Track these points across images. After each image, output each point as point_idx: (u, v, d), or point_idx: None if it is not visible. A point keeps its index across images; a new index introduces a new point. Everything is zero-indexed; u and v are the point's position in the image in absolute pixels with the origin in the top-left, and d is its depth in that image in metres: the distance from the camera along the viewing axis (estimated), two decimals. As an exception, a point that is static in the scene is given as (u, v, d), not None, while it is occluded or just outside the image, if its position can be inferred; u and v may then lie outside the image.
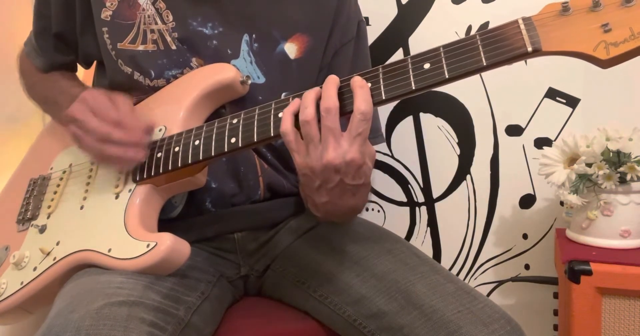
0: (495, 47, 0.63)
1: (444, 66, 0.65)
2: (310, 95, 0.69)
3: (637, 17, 0.58)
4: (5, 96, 1.10)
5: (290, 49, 0.93)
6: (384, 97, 0.68)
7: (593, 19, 0.60)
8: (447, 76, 0.65)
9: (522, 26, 0.63)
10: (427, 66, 0.67)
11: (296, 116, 0.70)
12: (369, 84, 0.69)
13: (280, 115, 0.73)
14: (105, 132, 0.79)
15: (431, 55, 0.67)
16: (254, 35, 0.91)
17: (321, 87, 0.70)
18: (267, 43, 0.92)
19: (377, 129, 1.02)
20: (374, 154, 0.73)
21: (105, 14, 0.91)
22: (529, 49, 0.62)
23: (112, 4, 0.91)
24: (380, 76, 0.69)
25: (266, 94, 0.90)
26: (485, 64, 0.64)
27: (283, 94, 0.91)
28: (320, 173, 0.69)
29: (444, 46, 0.67)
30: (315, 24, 0.94)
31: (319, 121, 0.68)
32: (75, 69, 1.07)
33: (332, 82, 0.69)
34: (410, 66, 0.67)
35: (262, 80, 0.91)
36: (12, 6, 1.41)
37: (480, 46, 0.64)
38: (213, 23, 0.90)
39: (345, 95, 0.70)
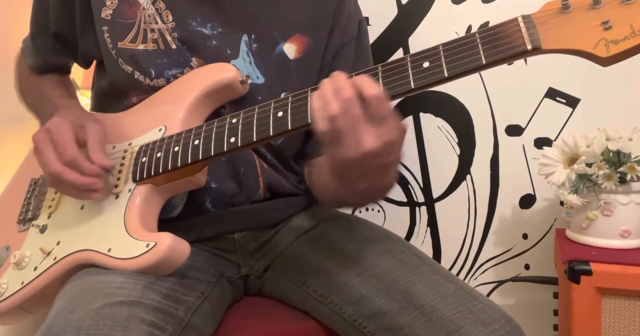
0: (495, 45, 0.63)
1: (444, 64, 0.65)
2: (328, 90, 0.67)
3: (638, 15, 0.58)
4: (5, 96, 1.10)
5: (290, 49, 0.93)
6: (384, 96, 0.68)
7: (593, 17, 0.60)
8: (446, 75, 0.65)
9: (521, 24, 0.62)
10: (426, 64, 0.66)
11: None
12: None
13: (280, 115, 0.73)
14: (57, 172, 0.78)
15: (430, 53, 0.67)
16: (253, 36, 0.91)
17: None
18: (266, 43, 0.92)
19: None
20: (403, 126, 0.69)
21: (106, 13, 0.91)
22: (529, 47, 0.61)
23: (112, 3, 0.91)
24: (380, 74, 0.69)
25: (265, 94, 0.90)
26: (484, 62, 0.63)
27: (282, 94, 0.91)
28: (360, 161, 0.66)
29: (444, 44, 0.66)
30: (315, 25, 0.94)
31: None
32: (69, 72, 1.07)
33: (362, 77, 0.66)
34: (409, 65, 0.67)
35: (261, 80, 0.91)
36: (12, 6, 1.41)
37: (479, 44, 0.64)
38: (212, 23, 0.90)
39: None
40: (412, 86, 0.67)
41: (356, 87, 0.65)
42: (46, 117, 0.88)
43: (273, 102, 0.75)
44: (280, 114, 0.73)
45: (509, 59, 0.63)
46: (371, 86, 0.64)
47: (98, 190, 0.80)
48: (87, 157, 0.80)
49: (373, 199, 0.79)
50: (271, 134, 0.74)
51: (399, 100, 1.29)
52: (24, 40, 1.06)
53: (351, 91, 0.64)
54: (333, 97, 0.65)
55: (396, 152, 0.69)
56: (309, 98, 0.72)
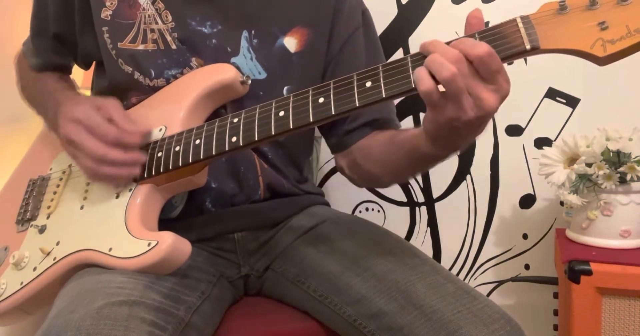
0: (495, 45, 0.63)
1: None
2: (436, 55, 0.62)
3: (633, 15, 0.59)
4: (5, 96, 1.10)
5: (290, 42, 0.93)
6: (384, 96, 0.68)
7: (590, 17, 0.61)
8: None
9: (520, 24, 0.63)
10: None
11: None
12: (369, 83, 0.69)
13: (281, 114, 0.73)
14: (102, 154, 0.79)
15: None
16: (252, 31, 0.91)
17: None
18: (266, 38, 0.92)
19: (393, 120, 0.99)
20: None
21: (105, 14, 0.91)
22: (527, 46, 0.62)
23: (112, 4, 0.91)
24: (381, 74, 0.69)
25: (268, 89, 0.90)
26: None
27: (285, 88, 0.91)
28: (477, 120, 0.63)
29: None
30: (315, 16, 0.94)
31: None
32: (70, 72, 1.07)
33: (462, 40, 0.63)
34: (410, 64, 0.67)
35: (263, 75, 0.91)
36: (12, 6, 1.41)
37: None
38: (212, 22, 0.90)
39: (342, 94, 0.69)
40: (413, 86, 0.67)
41: (462, 50, 0.62)
42: (49, 111, 0.87)
43: (274, 102, 0.75)
44: (281, 113, 0.74)
45: (508, 58, 0.63)
46: (475, 46, 0.61)
47: (139, 166, 0.81)
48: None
49: (466, 146, 0.75)
50: (273, 133, 0.74)
51: (399, 100, 1.30)
52: (24, 43, 1.06)
53: (458, 53, 0.61)
54: (445, 59, 0.62)
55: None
56: (310, 97, 0.72)
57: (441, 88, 0.63)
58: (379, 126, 0.94)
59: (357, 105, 0.68)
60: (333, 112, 0.70)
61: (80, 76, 1.37)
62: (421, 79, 0.62)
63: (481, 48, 0.61)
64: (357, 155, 0.93)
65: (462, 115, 0.63)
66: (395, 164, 0.85)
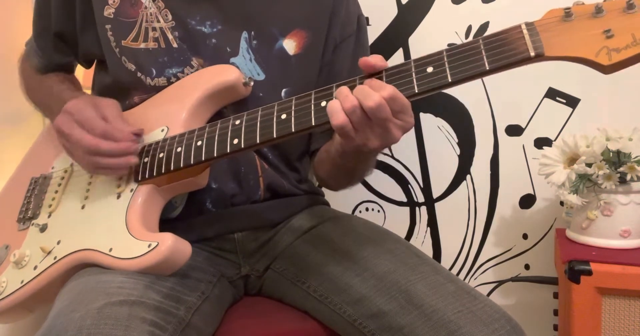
0: (499, 51, 0.63)
1: (447, 70, 0.66)
2: (338, 99, 0.69)
3: (639, 24, 0.58)
4: (6, 96, 1.10)
5: (289, 45, 0.93)
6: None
7: (595, 25, 0.60)
8: (450, 80, 0.65)
9: (525, 31, 0.63)
10: (430, 69, 0.67)
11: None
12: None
13: (283, 117, 0.73)
14: (94, 145, 0.80)
15: (434, 58, 0.67)
16: (252, 33, 0.91)
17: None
18: (266, 40, 0.92)
19: None
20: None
21: (108, 12, 0.91)
22: (532, 53, 0.62)
23: (114, 2, 0.91)
24: (384, 78, 0.69)
25: (267, 90, 0.90)
26: (488, 68, 0.64)
27: (283, 90, 0.91)
28: (381, 147, 0.71)
29: (447, 50, 0.67)
30: (313, 19, 0.94)
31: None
32: (73, 71, 1.07)
33: (363, 88, 0.69)
34: (413, 69, 0.68)
35: (262, 77, 0.92)
36: (12, 6, 1.41)
37: (483, 51, 0.64)
38: (212, 21, 0.90)
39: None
40: (416, 91, 0.67)
41: (358, 99, 0.67)
42: (55, 112, 0.88)
43: (277, 105, 0.75)
44: (283, 116, 0.74)
45: (512, 65, 0.63)
46: (368, 97, 0.66)
47: (135, 154, 0.82)
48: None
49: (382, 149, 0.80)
50: (275, 136, 0.74)
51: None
52: (26, 43, 1.06)
53: (352, 103, 0.67)
54: (341, 108, 0.68)
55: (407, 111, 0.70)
56: (312, 100, 0.72)
57: None
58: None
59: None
60: None
61: (81, 75, 1.37)
62: (334, 112, 0.68)
63: (372, 100, 0.66)
64: (315, 160, 1.00)
65: (368, 143, 0.70)
66: (331, 171, 0.96)
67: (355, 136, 0.69)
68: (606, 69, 0.60)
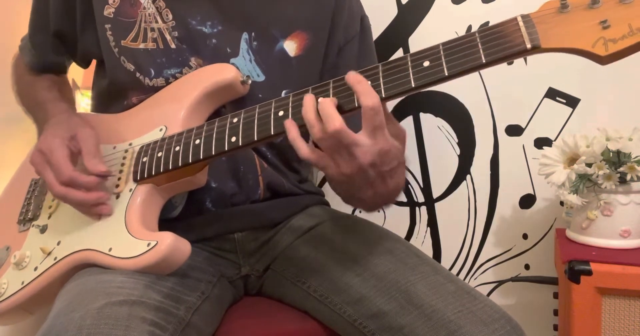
0: (495, 44, 0.63)
1: (444, 63, 0.65)
2: (309, 114, 0.69)
3: (636, 14, 0.58)
4: (6, 96, 1.10)
5: (290, 46, 0.93)
6: (383, 95, 0.68)
7: (591, 16, 0.60)
8: (446, 74, 0.65)
9: (521, 23, 0.63)
10: (426, 63, 0.67)
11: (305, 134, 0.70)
12: (369, 82, 0.69)
13: (280, 113, 0.73)
14: (61, 194, 0.80)
15: (430, 53, 0.67)
16: (253, 34, 0.91)
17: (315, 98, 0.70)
18: (266, 41, 0.92)
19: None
20: (403, 132, 0.71)
21: (108, 11, 0.91)
22: (528, 45, 0.62)
23: (114, 1, 0.91)
24: (380, 73, 0.69)
25: (266, 92, 0.90)
26: (484, 61, 0.64)
27: (283, 91, 0.91)
28: (358, 175, 0.69)
29: (443, 44, 0.67)
30: (315, 21, 0.94)
31: None
32: (65, 72, 1.07)
33: (329, 103, 0.68)
34: (409, 64, 0.68)
35: (261, 78, 0.91)
36: (12, 6, 1.41)
37: (479, 43, 0.64)
38: (212, 22, 0.90)
39: (342, 93, 0.70)
40: (413, 85, 0.67)
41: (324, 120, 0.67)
42: (39, 123, 0.89)
43: (274, 102, 0.75)
44: (281, 113, 0.74)
45: (508, 58, 0.63)
46: (328, 122, 0.66)
47: (106, 203, 0.81)
48: (83, 169, 0.81)
49: (383, 204, 0.81)
50: (272, 133, 0.74)
51: (400, 99, 1.30)
52: (22, 39, 1.06)
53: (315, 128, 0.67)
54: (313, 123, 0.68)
55: (395, 158, 0.70)
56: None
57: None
58: None
59: (357, 105, 0.68)
60: None
61: (80, 75, 1.37)
62: (298, 147, 0.69)
63: (329, 126, 0.66)
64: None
65: (343, 171, 0.68)
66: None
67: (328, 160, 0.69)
68: (603, 60, 0.60)
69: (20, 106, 1.04)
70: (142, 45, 0.90)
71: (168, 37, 0.90)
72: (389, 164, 0.69)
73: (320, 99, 0.69)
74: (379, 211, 1.37)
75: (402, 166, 0.73)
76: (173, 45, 0.90)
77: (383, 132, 0.67)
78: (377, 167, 0.68)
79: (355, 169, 0.68)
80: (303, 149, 0.69)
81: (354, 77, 0.68)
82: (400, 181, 0.76)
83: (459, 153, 1.32)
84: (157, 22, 0.90)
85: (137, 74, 0.90)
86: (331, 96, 0.70)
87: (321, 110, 0.68)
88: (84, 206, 0.81)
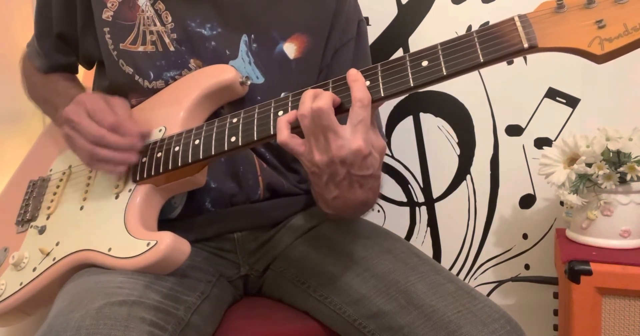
0: (492, 44, 0.64)
1: (442, 63, 0.66)
2: (307, 94, 0.70)
3: (631, 14, 0.59)
4: (5, 96, 1.10)
5: (290, 49, 0.93)
6: (382, 95, 0.68)
7: (587, 16, 0.61)
8: (445, 73, 0.66)
9: (518, 23, 0.64)
10: (425, 63, 0.67)
11: (292, 125, 0.71)
12: (368, 82, 0.69)
13: (280, 113, 0.73)
14: (99, 135, 0.80)
15: (429, 52, 0.67)
16: (252, 36, 0.91)
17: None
18: (266, 43, 0.92)
19: (379, 129, 1.01)
20: (383, 146, 0.71)
21: (107, 15, 0.91)
22: (525, 45, 0.62)
23: (113, 5, 0.91)
24: (379, 73, 0.69)
25: (265, 94, 0.90)
26: (482, 60, 0.64)
27: (282, 94, 0.91)
28: (327, 166, 0.69)
29: (442, 44, 0.67)
30: (314, 24, 0.94)
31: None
32: (76, 71, 1.07)
33: (328, 92, 0.70)
34: (408, 63, 0.68)
35: (261, 80, 0.91)
36: (12, 7, 1.41)
37: (477, 43, 0.65)
38: (212, 24, 0.90)
39: (342, 93, 0.70)
40: (412, 85, 0.67)
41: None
42: (60, 108, 0.87)
43: (273, 102, 0.75)
44: (280, 113, 0.74)
45: (506, 57, 0.64)
46: (302, 104, 0.68)
47: (137, 153, 0.82)
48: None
49: (348, 213, 0.80)
50: (272, 132, 0.74)
51: (400, 99, 1.30)
52: (28, 45, 1.06)
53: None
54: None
55: (369, 167, 0.69)
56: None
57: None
58: None
59: None
60: None
61: (80, 75, 1.37)
62: (280, 129, 0.70)
63: (315, 103, 0.67)
64: None
65: (314, 158, 0.69)
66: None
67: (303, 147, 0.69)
68: (599, 59, 0.61)
69: (30, 100, 1.05)
70: (141, 48, 0.90)
71: (167, 39, 0.90)
72: (361, 169, 0.69)
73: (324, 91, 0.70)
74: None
75: (375, 179, 0.73)
76: (172, 48, 0.90)
77: (365, 131, 0.67)
78: (347, 166, 0.68)
79: (325, 160, 0.68)
80: (283, 132, 0.69)
81: (353, 75, 0.69)
82: (371, 196, 0.75)
83: (459, 153, 1.32)
84: (155, 25, 0.90)
85: (136, 77, 0.90)
86: None
87: (318, 92, 0.69)
88: (117, 152, 0.81)
